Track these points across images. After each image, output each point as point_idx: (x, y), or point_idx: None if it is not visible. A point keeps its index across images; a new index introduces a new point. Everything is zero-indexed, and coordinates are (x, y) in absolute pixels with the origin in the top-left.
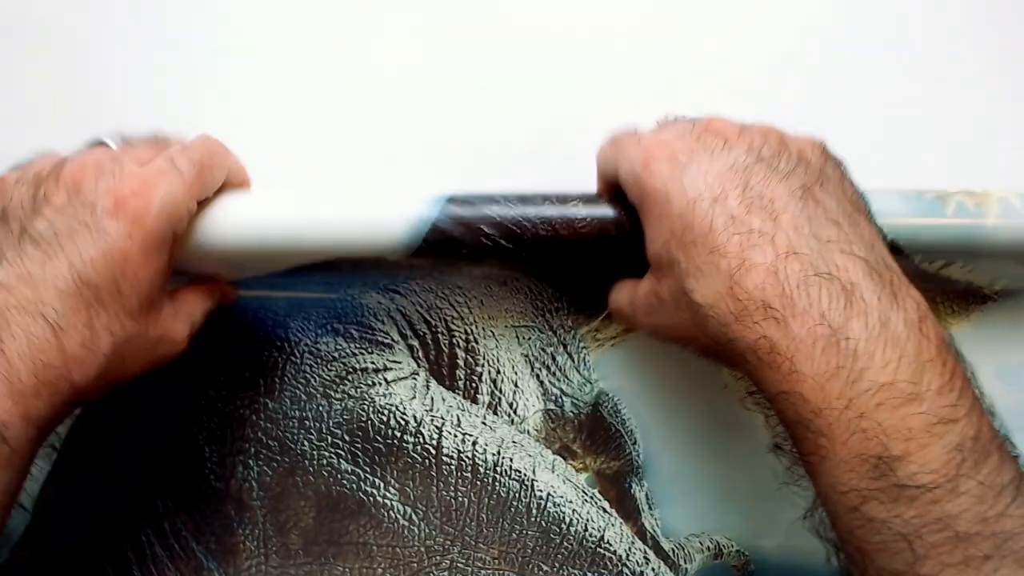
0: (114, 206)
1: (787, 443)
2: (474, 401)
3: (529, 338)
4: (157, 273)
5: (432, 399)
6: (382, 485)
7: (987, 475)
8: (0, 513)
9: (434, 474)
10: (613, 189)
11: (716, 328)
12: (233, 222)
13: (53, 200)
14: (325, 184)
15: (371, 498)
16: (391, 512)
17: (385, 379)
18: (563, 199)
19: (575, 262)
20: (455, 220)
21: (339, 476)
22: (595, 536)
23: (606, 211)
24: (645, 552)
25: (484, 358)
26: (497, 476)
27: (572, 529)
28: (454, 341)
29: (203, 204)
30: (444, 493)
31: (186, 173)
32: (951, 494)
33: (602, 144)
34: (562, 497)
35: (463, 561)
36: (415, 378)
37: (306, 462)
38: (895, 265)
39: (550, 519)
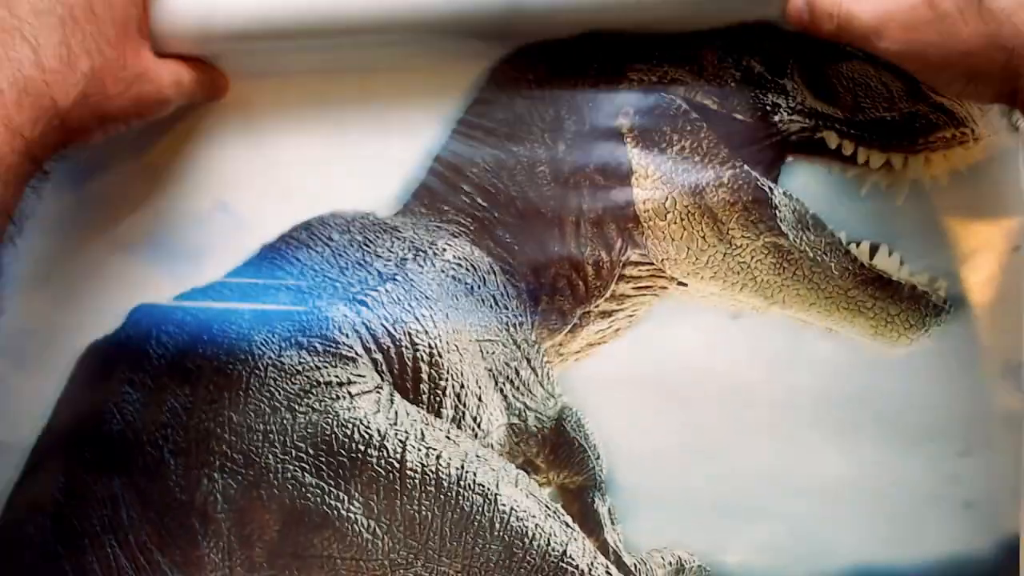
0: None
1: None
2: (438, 415)
3: (493, 352)
4: (130, 1)
5: (396, 413)
6: (346, 499)
7: None
8: None
9: (398, 488)
10: None
11: (1011, 33)
12: None
13: None
14: None
15: (335, 511)
16: (355, 526)
17: (349, 392)
18: None
19: None
20: None
21: (303, 489)
22: (558, 551)
23: None
24: (607, 567)
25: (448, 372)
26: (461, 490)
27: (535, 544)
28: (418, 355)
29: None
30: (408, 507)
31: None
32: None
33: None
34: (525, 511)
35: (426, 575)
36: (379, 392)
37: (270, 475)
38: None
39: (513, 533)
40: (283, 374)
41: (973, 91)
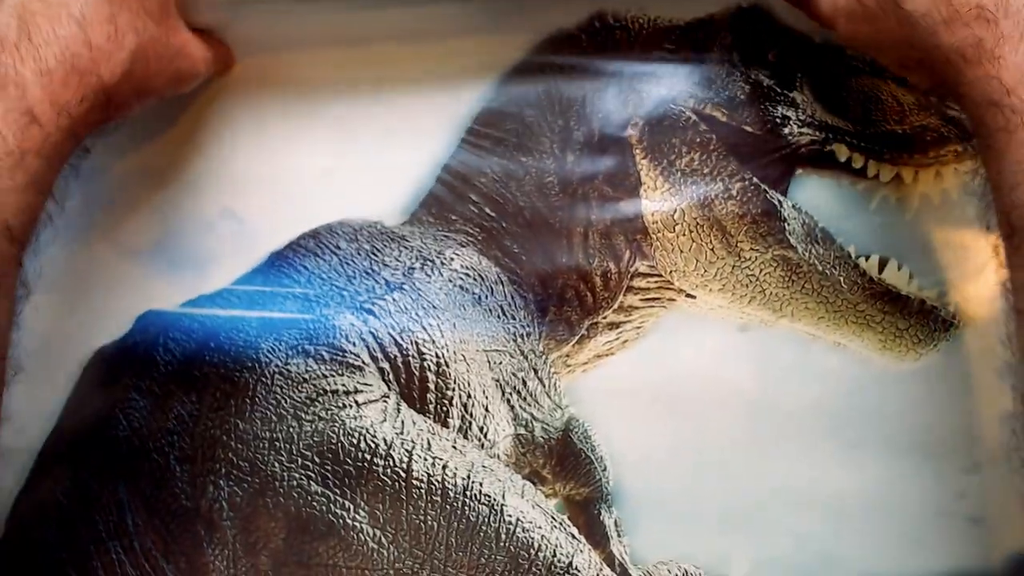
0: None
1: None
2: (444, 425)
3: (500, 362)
4: None
5: (402, 422)
6: (352, 507)
7: None
8: (33, 202)
9: (404, 497)
10: None
11: (923, 34)
12: None
13: None
14: None
15: (341, 520)
16: (360, 535)
17: (356, 401)
18: None
19: None
20: None
21: (309, 498)
22: (563, 562)
23: None
24: None
25: (455, 382)
26: (467, 500)
27: (541, 555)
28: (425, 364)
29: None
30: (413, 516)
31: None
32: None
33: None
34: (531, 523)
35: None
36: (386, 401)
37: (276, 483)
38: None
39: (519, 544)
40: (290, 382)
41: (909, 77)
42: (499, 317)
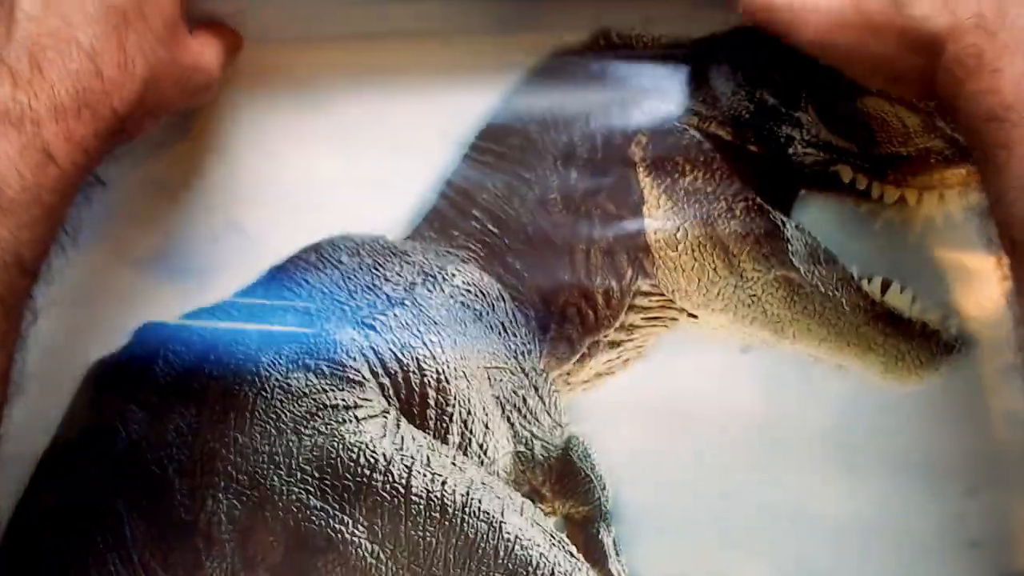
0: None
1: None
2: (444, 441)
3: (500, 379)
4: None
5: (402, 438)
6: (350, 522)
7: None
8: (46, 235)
9: (402, 513)
10: None
11: (923, 42)
12: None
13: None
14: None
15: (339, 535)
16: (359, 550)
17: (356, 416)
18: None
19: None
20: None
21: (308, 512)
22: None
23: None
24: None
25: (455, 398)
26: (465, 517)
27: (539, 573)
28: (425, 380)
29: None
30: (412, 532)
31: None
32: None
33: None
34: (530, 540)
35: None
36: (385, 416)
37: (275, 497)
38: None
39: (517, 562)
40: (290, 396)
41: (897, 90)
42: (500, 334)
